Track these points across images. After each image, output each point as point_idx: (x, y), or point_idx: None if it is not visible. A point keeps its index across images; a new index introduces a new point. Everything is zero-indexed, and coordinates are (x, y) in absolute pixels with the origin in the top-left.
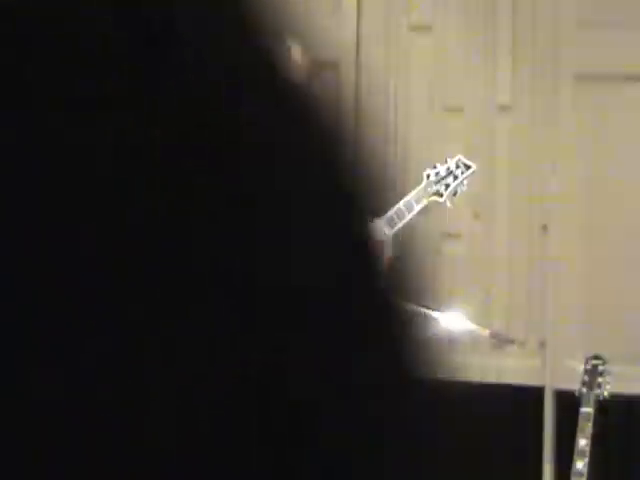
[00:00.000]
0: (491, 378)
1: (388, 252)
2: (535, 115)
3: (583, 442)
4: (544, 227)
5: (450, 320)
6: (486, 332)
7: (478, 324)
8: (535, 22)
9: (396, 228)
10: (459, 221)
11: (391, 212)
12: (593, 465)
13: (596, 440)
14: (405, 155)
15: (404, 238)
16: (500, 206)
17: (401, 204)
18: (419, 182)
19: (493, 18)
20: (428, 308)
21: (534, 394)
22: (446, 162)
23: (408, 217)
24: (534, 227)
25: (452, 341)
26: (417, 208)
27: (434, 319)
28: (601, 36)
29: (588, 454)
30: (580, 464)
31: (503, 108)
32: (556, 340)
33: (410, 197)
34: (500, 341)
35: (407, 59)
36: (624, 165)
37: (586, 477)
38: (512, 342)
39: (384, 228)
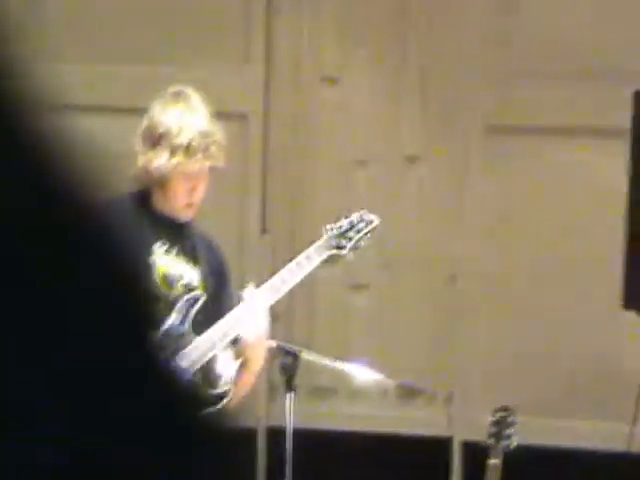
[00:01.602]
0: (398, 429)
1: (267, 325)
2: (443, 166)
3: None
4: (452, 277)
5: (356, 371)
6: (393, 383)
7: (385, 375)
8: (445, 73)
9: (286, 288)
10: (366, 272)
11: (275, 278)
12: None
13: None
14: (312, 205)
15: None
16: (407, 257)
17: (291, 265)
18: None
19: (402, 69)
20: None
21: (442, 445)
22: (347, 217)
23: (305, 272)
24: (441, 278)
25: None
26: (316, 262)
27: (341, 370)
28: (511, 88)
29: None
30: None
31: (411, 159)
32: (463, 391)
33: (306, 253)
34: (409, 392)
35: (316, 110)
36: (531, 215)
37: None
38: (421, 392)
39: (266, 296)
